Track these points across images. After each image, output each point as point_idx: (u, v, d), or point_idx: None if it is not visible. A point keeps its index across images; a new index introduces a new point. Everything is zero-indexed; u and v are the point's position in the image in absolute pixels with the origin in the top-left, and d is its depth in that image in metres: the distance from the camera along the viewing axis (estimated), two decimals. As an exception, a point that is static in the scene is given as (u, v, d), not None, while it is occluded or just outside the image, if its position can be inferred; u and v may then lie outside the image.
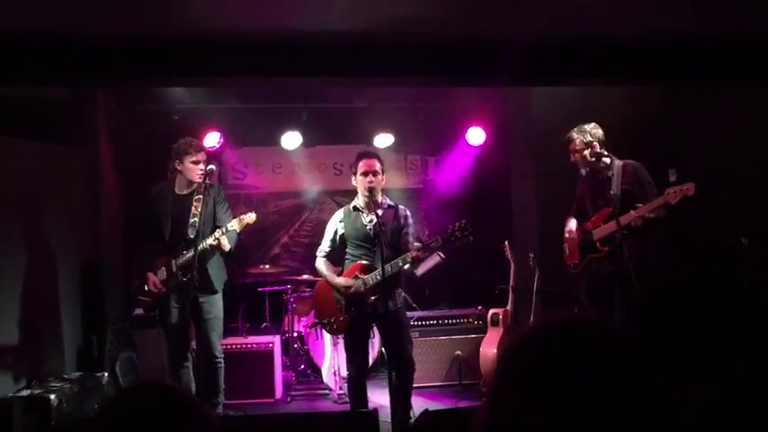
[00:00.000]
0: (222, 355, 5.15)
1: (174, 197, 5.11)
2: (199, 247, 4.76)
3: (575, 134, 4.88)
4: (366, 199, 4.75)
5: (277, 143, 7.45)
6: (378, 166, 4.73)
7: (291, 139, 7.41)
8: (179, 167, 5.08)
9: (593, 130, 4.84)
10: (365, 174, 4.71)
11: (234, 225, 4.86)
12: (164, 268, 5.02)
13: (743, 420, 1.38)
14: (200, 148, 5.11)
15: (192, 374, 5.14)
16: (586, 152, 4.81)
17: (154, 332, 5.82)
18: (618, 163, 4.77)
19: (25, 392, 4.99)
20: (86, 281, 6.24)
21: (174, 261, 4.99)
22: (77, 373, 5.48)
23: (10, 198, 5.46)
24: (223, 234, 4.86)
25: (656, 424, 0.94)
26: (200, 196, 4.96)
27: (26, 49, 4.13)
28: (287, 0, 3.76)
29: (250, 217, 4.94)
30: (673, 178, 4.33)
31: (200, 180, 4.99)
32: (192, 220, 4.95)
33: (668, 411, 0.95)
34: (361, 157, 4.81)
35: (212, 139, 7.10)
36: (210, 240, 4.84)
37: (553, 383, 0.95)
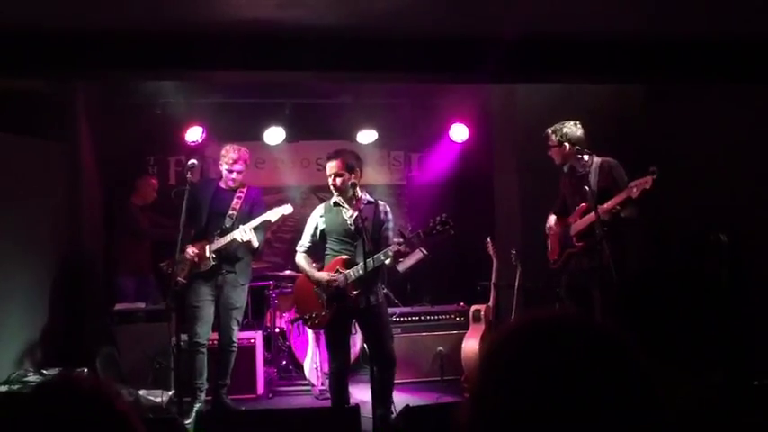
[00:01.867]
0: (236, 343, 5.44)
1: (217, 191, 5.45)
2: (231, 236, 5.17)
3: (549, 131, 4.96)
4: (341, 197, 4.75)
5: (260, 138, 7.40)
6: (338, 167, 4.70)
7: (274, 135, 7.37)
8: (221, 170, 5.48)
9: (569, 129, 4.87)
10: (329, 176, 4.74)
11: (270, 216, 5.24)
12: (198, 251, 5.27)
13: (723, 413, 1.40)
14: (236, 160, 5.37)
15: (205, 361, 5.31)
16: (558, 149, 4.89)
17: (134, 327, 5.79)
18: (596, 160, 4.81)
19: (3, 388, 4.94)
20: (67, 275, 6.19)
21: (208, 246, 5.26)
22: (57, 369, 5.43)
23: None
24: (253, 230, 5.17)
25: (643, 417, 0.94)
26: (242, 194, 5.41)
27: (5, 39, 4.08)
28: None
29: (286, 208, 5.34)
30: (654, 175, 4.36)
31: (233, 185, 5.41)
32: (230, 213, 5.34)
33: (654, 404, 0.95)
34: (326, 159, 4.83)
35: (194, 134, 7.06)
36: (240, 233, 5.13)
37: (536, 379, 0.95)
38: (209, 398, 5.36)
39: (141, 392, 5.21)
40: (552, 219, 5.13)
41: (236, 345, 5.43)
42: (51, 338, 5.93)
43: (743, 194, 5.13)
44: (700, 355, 1.57)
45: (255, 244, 5.25)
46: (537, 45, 4.51)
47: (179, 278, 5.20)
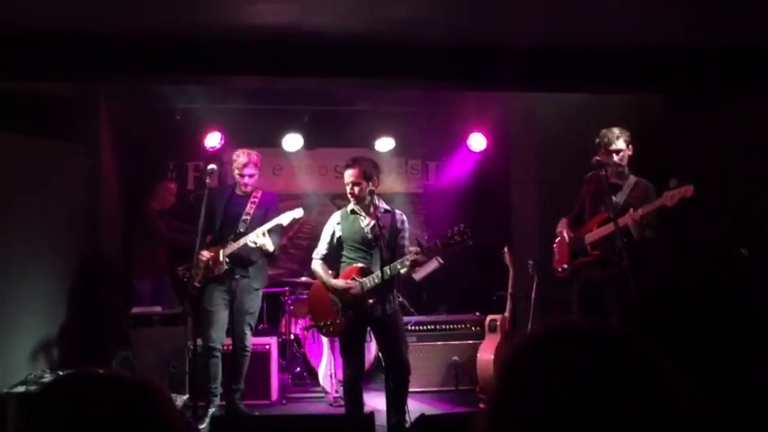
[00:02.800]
0: (250, 347, 5.45)
1: (232, 195, 5.49)
2: (244, 240, 5.19)
3: (618, 131, 4.69)
4: (358, 205, 4.75)
5: (278, 145, 7.44)
6: (355, 176, 4.69)
7: (292, 141, 7.41)
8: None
9: (603, 131, 4.76)
10: (347, 184, 4.74)
11: (282, 219, 5.23)
12: (213, 255, 5.31)
13: (744, 426, 1.37)
14: (246, 164, 5.40)
15: (219, 365, 5.35)
16: (627, 154, 4.69)
17: (151, 330, 5.81)
18: (632, 177, 4.74)
19: (21, 389, 4.97)
20: (84, 277, 6.23)
21: (222, 250, 5.28)
22: (73, 371, 5.45)
23: (10, 193, 5.45)
24: (265, 235, 5.19)
25: (666, 425, 0.93)
26: (256, 199, 5.43)
27: (29, 43, 4.13)
28: (291, 1, 3.76)
29: (298, 212, 5.33)
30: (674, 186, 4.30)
31: (247, 189, 5.46)
32: (244, 217, 5.36)
33: (679, 412, 0.94)
34: (344, 167, 4.83)
35: (213, 140, 7.10)
36: (254, 237, 5.16)
37: (557, 388, 0.93)
38: (223, 402, 5.37)
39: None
40: (564, 225, 5.02)
41: (249, 349, 5.43)
42: (68, 340, 5.97)
43: (764, 207, 5.08)
44: (720, 370, 1.55)
45: (270, 248, 5.25)
46: (555, 54, 4.50)
47: (195, 283, 5.21)
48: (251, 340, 5.48)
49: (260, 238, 5.18)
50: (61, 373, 5.27)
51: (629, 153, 4.70)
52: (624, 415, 0.91)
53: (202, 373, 5.26)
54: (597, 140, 4.73)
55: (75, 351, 5.99)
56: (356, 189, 4.70)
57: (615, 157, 4.67)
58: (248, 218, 5.36)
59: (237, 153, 5.47)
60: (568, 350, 0.97)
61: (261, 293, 5.55)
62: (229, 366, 5.37)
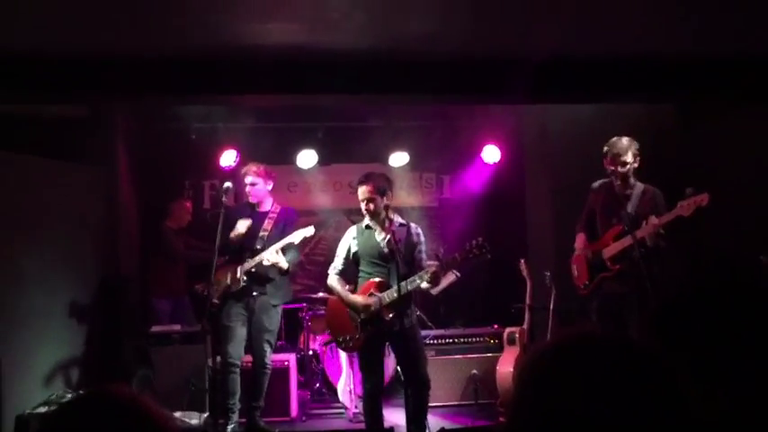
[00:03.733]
0: (270, 364, 5.45)
1: (250, 212, 5.49)
2: (259, 257, 5.22)
3: (627, 142, 4.63)
4: (374, 220, 4.76)
5: (292, 162, 7.48)
6: (369, 192, 4.70)
7: (307, 158, 7.44)
8: None
9: (611, 142, 4.73)
10: (360, 201, 4.75)
11: (294, 238, 5.21)
12: (229, 274, 5.35)
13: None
14: (246, 173, 5.47)
15: (238, 382, 5.32)
16: (634, 166, 4.64)
17: (171, 349, 5.84)
18: (639, 185, 4.72)
19: (42, 409, 5.00)
20: (104, 297, 6.28)
21: (239, 267, 5.31)
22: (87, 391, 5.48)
23: (29, 216, 5.52)
24: (278, 253, 5.20)
25: None
26: (274, 215, 5.46)
27: (45, 66, 4.20)
28: (302, 18, 3.79)
29: (308, 230, 5.30)
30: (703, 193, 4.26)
31: (252, 201, 5.48)
32: (261, 234, 5.37)
33: (696, 423, 0.94)
34: (357, 183, 4.84)
35: (229, 158, 7.16)
36: (268, 255, 5.18)
37: (575, 397, 0.94)
38: (243, 420, 5.37)
39: (177, 414, 5.24)
40: (582, 239, 4.99)
41: (269, 367, 5.42)
42: (89, 360, 6.01)
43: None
44: (742, 380, 1.54)
45: (284, 265, 5.27)
46: (567, 66, 4.50)
47: (213, 300, 5.24)
48: (271, 357, 5.47)
49: (273, 255, 5.20)
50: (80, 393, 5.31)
51: (636, 165, 4.65)
52: (643, 426, 0.91)
53: (221, 388, 5.27)
54: (605, 149, 4.68)
55: (96, 371, 6.03)
56: (371, 205, 4.71)
57: (621, 168, 4.61)
58: (265, 234, 5.37)
59: (243, 168, 5.56)
60: (587, 360, 0.98)
61: (280, 310, 5.53)
62: (249, 383, 5.36)
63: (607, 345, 0.99)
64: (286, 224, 5.43)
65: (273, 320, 5.43)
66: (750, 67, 4.57)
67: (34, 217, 5.58)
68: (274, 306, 5.43)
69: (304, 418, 6.13)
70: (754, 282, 4.46)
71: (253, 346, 5.38)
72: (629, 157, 4.62)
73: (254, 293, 5.31)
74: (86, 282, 6.14)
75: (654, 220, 4.41)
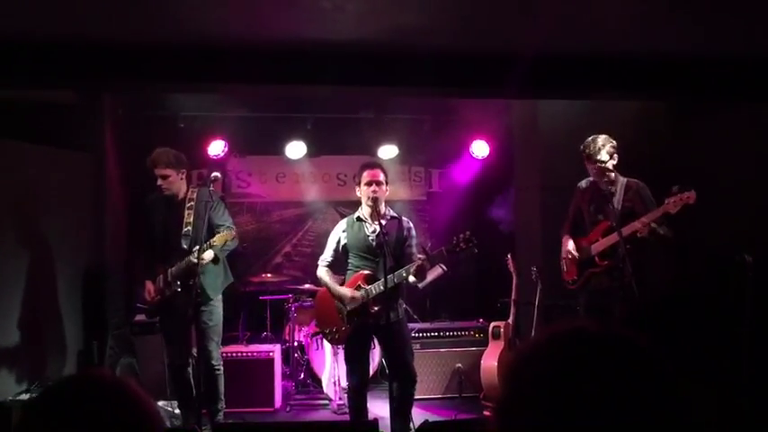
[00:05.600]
0: (221, 363, 5.14)
1: (167, 205, 5.09)
2: (189, 259, 4.79)
3: (602, 141, 4.67)
4: (369, 209, 4.73)
5: (281, 152, 7.47)
6: (381, 176, 4.71)
7: (296, 149, 7.43)
8: None
9: (587, 142, 4.75)
10: (369, 183, 4.69)
11: (216, 240, 4.73)
12: (161, 276, 5.03)
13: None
14: (156, 163, 4.99)
15: (192, 380, 5.13)
16: (611, 163, 4.66)
17: (155, 338, 5.81)
18: (622, 179, 4.75)
19: (25, 396, 4.98)
20: (88, 285, 6.24)
21: (169, 271, 4.98)
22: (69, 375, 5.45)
23: (14, 201, 5.48)
24: (206, 249, 4.75)
25: (674, 428, 0.93)
26: (192, 203, 4.99)
27: (33, 51, 4.15)
28: (294, 7, 3.77)
29: (228, 234, 4.76)
30: (687, 191, 4.29)
31: (161, 193, 5.01)
32: (185, 230, 4.95)
33: (685, 415, 0.94)
34: (364, 167, 4.79)
35: (217, 148, 7.14)
36: (192, 258, 4.75)
37: (564, 391, 0.94)
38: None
39: (160, 403, 5.23)
40: (571, 244, 4.99)
41: (219, 366, 5.09)
42: (73, 348, 5.98)
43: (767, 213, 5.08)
44: (722, 377, 1.55)
45: (210, 258, 4.83)
46: (559, 61, 4.51)
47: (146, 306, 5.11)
48: (220, 355, 5.14)
49: (208, 255, 4.80)
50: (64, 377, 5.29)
51: (614, 162, 4.67)
52: (632, 418, 0.91)
53: (176, 392, 5.14)
54: (581, 149, 4.72)
55: (81, 359, 6.01)
56: (379, 189, 4.67)
57: (598, 167, 4.65)
58: (189, 230, 4.94)
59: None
60: (576, 354, 0.98)
61: (220, 302, 5.12)
62: (204, 387, 4.98)
63: (594, 339, 0.99)
64: (208, 207, 4.89)
65: (215, 315, 5.06)
66: (739, 67, 4.59)
67: (17, 204, 5.53)
68: (212, 300, 5.04)
69: (288, 409, 6.14)
70: (737, 282, 4.52)
71: (199, 349, 5.04)
72: (603, 156, 4.65)
73: (198, 290, 4.80)
74: (72, 269, 6.10)
75: (640, 221, 4.44)
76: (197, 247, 4.73)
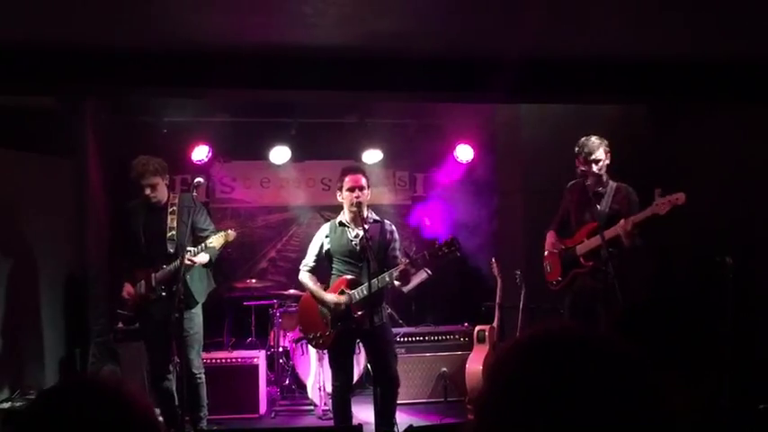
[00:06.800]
0: (202, 371, 5.11)
1: (148, 211, 5.06)
2: (176, 263, 4.75)
3: (596, 139, 4.68)
4: (352, 214, 4.73)
5: (266, 157, 7.45)
6: (363, 181, 4.71)
7: (280, 154, 7.41)
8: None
9: (581, 141, 4.77)
10: (351, 189, 4.68)
11: (213, 242, 4.79)
12: (143, 282, 4.98)
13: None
14: (143, 173, 4.97)
15: (174, 388, 5.08)
16: (605, 162, 4.68)
17: (137, 345, 5.77)
18: (612, 184, 4.78)
19: (6, 405, 4.93)
20: (70, 292, 6.19)
21: (153, 275, 4.94)
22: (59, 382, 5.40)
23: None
24: (200, 252, 4.81)
25: (653, 429, 0.93)
26: (174, 208, 4.97)
27: (14, 57, 4.12)
28: (277, 13, 3.77)
29: (230, 234, 4.86)
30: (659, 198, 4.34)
31: (149, 202, 4.98)
32: (169, 234, 4.93)
33: (664, 417, 0.94)
34: (346, 172, 4.78)
35: (201, 153, 7.10)
36: (187, 261, 4.72)
37: (543, 392, 0.94)
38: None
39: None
40: (553, 239, 5.03)
41: (200, 374, 5.07)
42: (54, 355, 5.92)
43: (749, 216, 5.13)
44: (705, 378, 1.56)
45: (206, 259, 4.90)
46: (543, 65, 4.53)
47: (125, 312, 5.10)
48: (201, 363, 5.12)
49: (202, 257, 4.84)
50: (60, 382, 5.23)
51: (608, 162, 4.72)
52: (611, 419, 0.92)
53: (158, 400, 5.05)
54: (576, 149, 4.74)
55: (63, 366, 5.95)
56: (363, 193, 4.68)
57: (594, 167, 4.67)
58: (173, 234, 4.92)
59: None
60: (554, 355, 0.98)
61: (200, 309, 5.10)
62: (186, 394, 4.86)
63: (573, 340, 1.00)
64: (191, 211, 4.87)
65: (195, 323, 5.02)
66: (723, 70, 4.63)
67: (0, 208, 5.48)
68: (192, 308, 4.98)
69: (273, 415, 6.11)
70: (718, 284, 4.56)
71: (179, 356, 4.96)
72: (600, 154, 4.68)
73: (181, 296, 4.68)
74: (53, 276, 6.04)
75: (623, 222, 4.46)
76: (191, 249, 4.74)
